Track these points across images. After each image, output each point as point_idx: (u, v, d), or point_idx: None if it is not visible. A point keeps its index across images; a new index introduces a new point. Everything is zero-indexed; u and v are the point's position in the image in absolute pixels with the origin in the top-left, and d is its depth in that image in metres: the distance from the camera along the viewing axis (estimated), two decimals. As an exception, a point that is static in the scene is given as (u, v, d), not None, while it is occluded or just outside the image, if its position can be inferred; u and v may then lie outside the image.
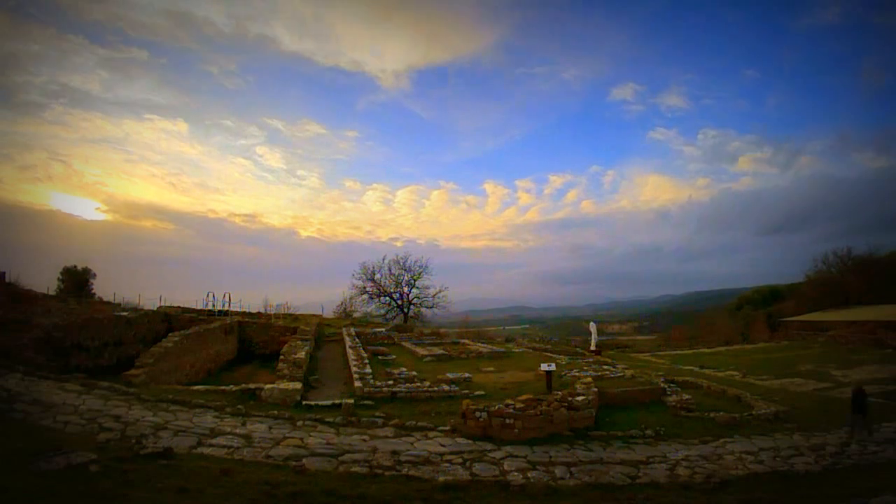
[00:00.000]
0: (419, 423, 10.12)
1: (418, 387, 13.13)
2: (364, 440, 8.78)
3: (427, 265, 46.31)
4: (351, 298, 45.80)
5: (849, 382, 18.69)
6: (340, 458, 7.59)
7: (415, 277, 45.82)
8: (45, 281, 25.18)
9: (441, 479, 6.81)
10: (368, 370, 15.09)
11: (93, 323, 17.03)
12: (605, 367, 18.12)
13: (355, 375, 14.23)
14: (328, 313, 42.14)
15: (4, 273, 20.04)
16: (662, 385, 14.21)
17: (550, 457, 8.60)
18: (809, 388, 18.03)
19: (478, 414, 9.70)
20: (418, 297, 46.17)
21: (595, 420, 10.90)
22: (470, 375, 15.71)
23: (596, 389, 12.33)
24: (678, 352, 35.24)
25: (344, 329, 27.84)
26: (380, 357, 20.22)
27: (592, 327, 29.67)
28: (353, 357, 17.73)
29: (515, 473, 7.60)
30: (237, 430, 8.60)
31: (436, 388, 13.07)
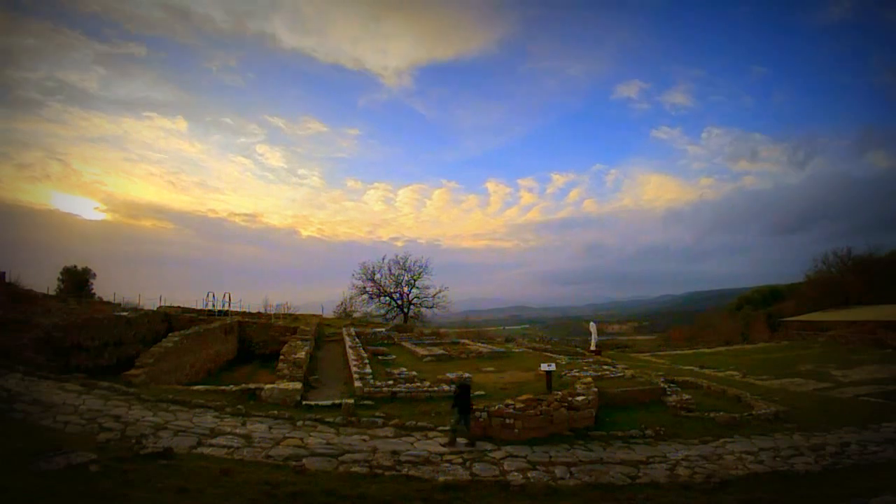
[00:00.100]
0: (419, 423, 10.13)
1: (418, 387, 13.13)
2: (364, 440, 8.78)
3: (427, 265, 46.35)
4: (351, 298, 45.84)
5: (849, 382, 18.71)
6: (340, 458, 7.59)
7: (415, 277, 45.84)
8: (45, 281, 25.21)
9: (441, 479, 6.81)
10: (368, 370, 15.09)
11: (93, 323, 17.03)
12: (605, 367, 18.11)
13: (355, 375, 14.22)
14: (328, 313, 42.17)
15: (4, 273, 20.05)
16: (662, 385, 14.21)
17: (550, 457, 8.60)
18: (809, 388, 18.02)
19: (478, 414, 9.70)
20: (418, 298, 46.19)
21: (595, 420, 10.90)
22: (470, 375, 15.68)
23: (596, 389, 12.33)
24: (678, 352, 35.22)
25: (344, 329, 27.83)
26: (380, 357, 20.21)
27: (592, 327, 29.65)
28: (353, 357, 17.72)
29: (515, 473, 7.60)
30: (237, 430, 8.60)
31: (436, 388, 13.07)
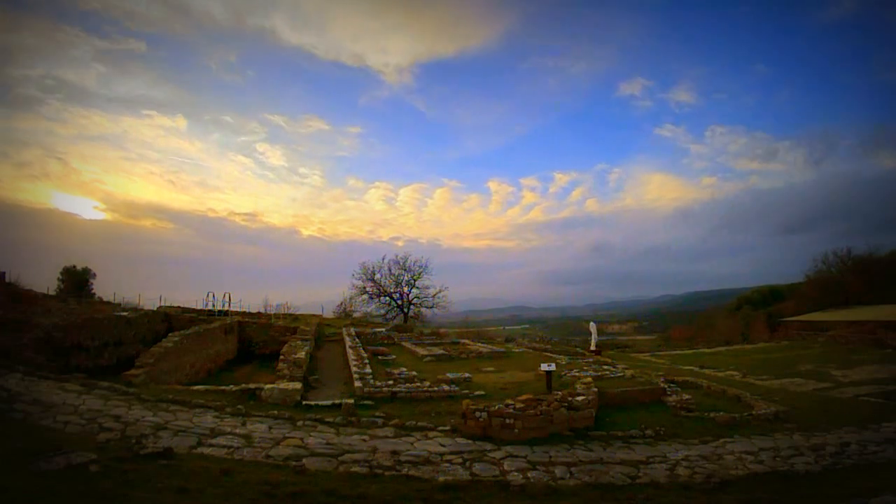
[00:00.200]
0: (419, 423, 10.12)
1: (418, 387, 13.13)
2: (364, 440, 8.78)
3: (427, 265, 46.40)
4: (351, 298, 45.90)
5: (849, 382, 18.71)
6: (340, 458, 7.58)
7: (415, 277, 45.89)
8: (45, 281, 25.25)
9: (441, 479, 6.81)
10: (368, 370, 15.09)
11: (93, 323, 17.04)
12: (605, 367, 18.11)
13: (355, 375, 14.23)
14: (328, 313, 42.20)
15: (4, 273, 20.07)
16: (662, 385, 14.20)
17: (550, 457, 8.59)
18: (809, 388, 18.03)
19: (478, 414, 9.70)
20: (418, 297, 46.24)
21: (595, 420, 10.89)
22: (470, 375, 15.71)
23: (596, 389, 12.33)
24: (678, 352, 35.23)
25: (344, 329, 27.83)
26: (380, 357, 20.21)
27: (592, 327, 29.64)
28: (353, 357, 17.73)
29: (515, 473, 7.60)
30: (237, 430, 8.59)
31: (436, 388, 13.07)
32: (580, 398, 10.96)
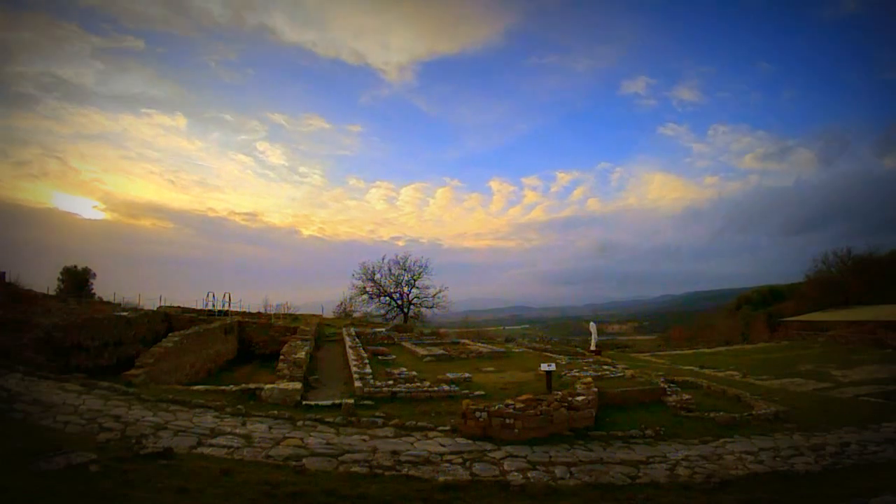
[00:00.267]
0: (419, 423, 10.12)
1: (418, 387, 13.13)
2: (364, 440, 8.77)
3: (426, 265, 46.42)
4: (351, 298, 45.93)
5: (849, 382, 18.71)
6: (340, 458, 7.58)
7: (415, 277, 45.92)
8: (44, 281, 25.28)
9: (441, 479, 6.81)
10: (368, 370, 15.09)
11: (93, 323, 17.05)
12: (605, 367, 18.11)
13: (355, 375, 14.22)
14: (328, 313, 42.22)
15: (4, 273, 20.08)
16: (662, 385, 14.20)
17: (550, 457, 8.59)
18: (809, 388, 18.03)
19: (478, 414, 9.69)
20: (418, 298, 46.27)
21: (595, 420, 10.89)
22: (470, 375, 15.71)
23: (596, 389, 12.33)
24: (678, 352, 35.23)
25: (344, 329, 27.83)
26: (380, 357, 20.21)
27: (592, 327, 29.64)
28: (353, 357, 17.72)
29: (515, 473, 7.60)
30: (237, 430, 8.59)
31: (436, 388, 13.07)
32: (580, 398, 10.95)
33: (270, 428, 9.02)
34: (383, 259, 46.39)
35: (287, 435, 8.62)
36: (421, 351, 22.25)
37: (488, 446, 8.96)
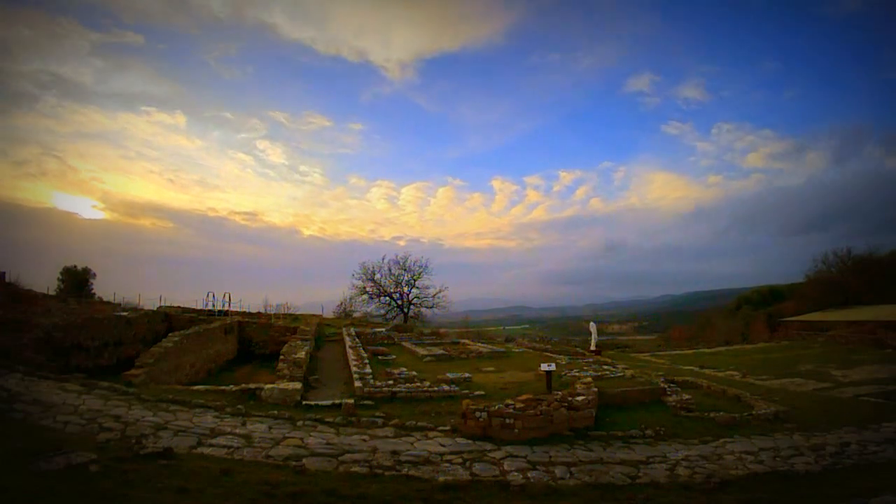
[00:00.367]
0: (419, 423, 10.12)
1: (418, 387, 13.13)
2: (364, 440, 8.78)
3: (427, 265, 46.45)
4: (351, 298, 45.95)
5: (849, 382, 18.71)
6: (340, 458, 7.58)
7: (415, 277, 45.95)
8: (44, 281, 25.30)
9: (441, 479, 6.81)
10: (368, 370, 15.09)
11: (93, 323, 17.05)
12: (605, 367, 18.11)
13: (355, 375, 14.22)
14: (328, 313, 42.22)
15: (4, 273, 20.08)
16: (662, 385, 14.20)
17: (550, 457, 8.59)
18: (809, 388, 18.03)
19: (478, 414, 9.70)
20: (418, 297, 46.30)
21: (595, 420, 10.89)
22: (470, 375, 15.71)
23: (596, 389, 12.33)
24: (678, 352, 35.23)
25: (344, 329, 27.83)
26: (380, 357, 20.21)
27: (592, 327, 29.64)
28: (353, 357, 17.72)
29: (515, 473, 7.60)
30: (237, 430, 8.59)
31: (436, 388, 13.07)
32: (580, 398, 10.95)
33: (270, 428, 9.02)
34: (383, 259, 46.49)
35: (287, 435, 8.62)
36: (421, 351, 22.25)
37: (488, 446, 8.96)
